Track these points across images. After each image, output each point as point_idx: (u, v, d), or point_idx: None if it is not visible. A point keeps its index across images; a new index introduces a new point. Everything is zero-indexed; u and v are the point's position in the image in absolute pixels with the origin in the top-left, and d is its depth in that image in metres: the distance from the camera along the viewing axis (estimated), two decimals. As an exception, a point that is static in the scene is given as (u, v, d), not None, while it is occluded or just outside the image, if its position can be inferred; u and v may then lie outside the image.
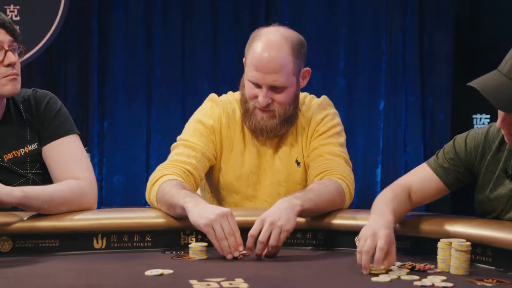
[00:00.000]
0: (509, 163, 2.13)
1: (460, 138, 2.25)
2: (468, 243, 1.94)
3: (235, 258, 2.11)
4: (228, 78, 6.06)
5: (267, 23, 6.46)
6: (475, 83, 1.96)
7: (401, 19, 6.37)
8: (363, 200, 6.14)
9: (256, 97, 2.47)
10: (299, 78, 2.52)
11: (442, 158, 2.24)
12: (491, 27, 6.00)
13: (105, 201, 6.05)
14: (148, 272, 1.89)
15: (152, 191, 2.40)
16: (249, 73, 2.47)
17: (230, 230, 2.10)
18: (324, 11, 6.30)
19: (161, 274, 1.89)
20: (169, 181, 2.36)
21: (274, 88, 2.45)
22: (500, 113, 1.98)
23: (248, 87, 2.49)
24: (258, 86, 2.46)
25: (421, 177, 2.27)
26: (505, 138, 2.06)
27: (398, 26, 6.35)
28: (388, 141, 6.42)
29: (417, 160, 6.34)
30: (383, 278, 1.86)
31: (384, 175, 6.39)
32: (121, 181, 6.11)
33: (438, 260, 1.98)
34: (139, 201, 5.75)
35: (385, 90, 6.39)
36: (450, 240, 1.96)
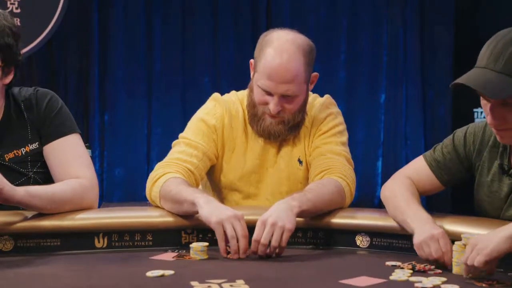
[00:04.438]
0: (505, 159, 2.14)
1: (460, 132, 2.26)
2: None
3: (238, 258, 2.12)
4: (228, 71, 6.05)
5: (267, 16, 6.45)
6: (466, 81, 1.97)
7: (402, 12, 6.35)
8: (363, 193, 6.15)
9: (266, 103, 2.46)
10: (308, 84, 2.52)
11: (439, 152, 2.26)
12: (491, 20, 5.98)
13: (105, 194, 6.06)
14: (150, 273, 1.90)
15: (154, 187, 2.40)
16: (261, 80, 2.45)
17: (242, 231, 2.11)
18: (325, 4, 6.29)
19: (162, 275, 1.89)
20: (175, 179, 2.37)
21: (285, 97, 2.44)
22: (492, 108, 1.99)
23: (258, 93, 2.48)
24: (268, 93, 2.45)
25: (417, 171, 2.30)
26: (497, 137, 2.06)
27: (398, 19, 6.34)
28: (389, 134, 6.42)
29: (418, 152, 6.29)
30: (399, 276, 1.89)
31: (384, 167, 6.40)
32: (121, 174, 6.11)
33: (453, 263, 1.95)
34: (140, 194, 5.75)
35: (385, 83, 6.39)
36: (465, 242, 1.93)
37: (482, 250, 1.80)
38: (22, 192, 2.16)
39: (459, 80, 1.97)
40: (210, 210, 2.16)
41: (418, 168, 2.30)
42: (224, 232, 2.11)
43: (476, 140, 2.20)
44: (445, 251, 1.97)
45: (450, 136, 2.27)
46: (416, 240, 2.01)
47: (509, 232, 1.80)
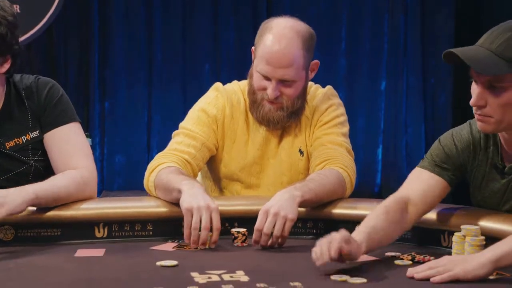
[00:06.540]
0: (497, 158, 2.13)
1: (446, 139, 2.19)
2: (482, 237, 1.95)
3: (239, 249, 2.13)
4: (229, 59, 6.04)
5: (268, 3, 6.43)
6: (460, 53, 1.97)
7: (403, 0, 6.35)
8: (364, 180, 6.16)
9: (264, 89, 2.47)
10: (308, 71, 2.52)
11: (432, 158, 2.17)
12: (492, 8, 5.98)
13: (106, 182, 6.07)
14: (163, 263, 1.91)
15: (150, 177, 2.42)
16: (259, 65, 2.45)
17: (207, 224, 2.10)
18: (326, -8, 6.29)
19: (176, 265, 1.90)
20: (167, 168, 2.38)
21: (283, 82, 2.45)
22: (478, 88, 2.00)
23: (257, 79, 2.48)
24: (267, 78, 2.45)
25: (420, 181, 2.15)
26: (478, 124, 2.05)
27: (399, 6, 6.34)
28: (389, 121, 6.43)
29: (418, 140, 6.36)
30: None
31: (384, 155, 6.42)
32: (122, 162, 6.12)
33: (453, 254, 1.97)
34: (140, 182, 5.67)
35: (386, 70, 6.39)
36: (464, 233, 1.96)
37: (450, 270, 1.76)
38: (30, 197, 2.14)
39: (453, 49, 1.98)
40: (187, 196, 2.15)
41: (421, 180, 2.16)
42: None
43: (468, 145, 2.14)
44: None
45: (437, 145, 2.19)
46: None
47: (488, 258, 1.77)
